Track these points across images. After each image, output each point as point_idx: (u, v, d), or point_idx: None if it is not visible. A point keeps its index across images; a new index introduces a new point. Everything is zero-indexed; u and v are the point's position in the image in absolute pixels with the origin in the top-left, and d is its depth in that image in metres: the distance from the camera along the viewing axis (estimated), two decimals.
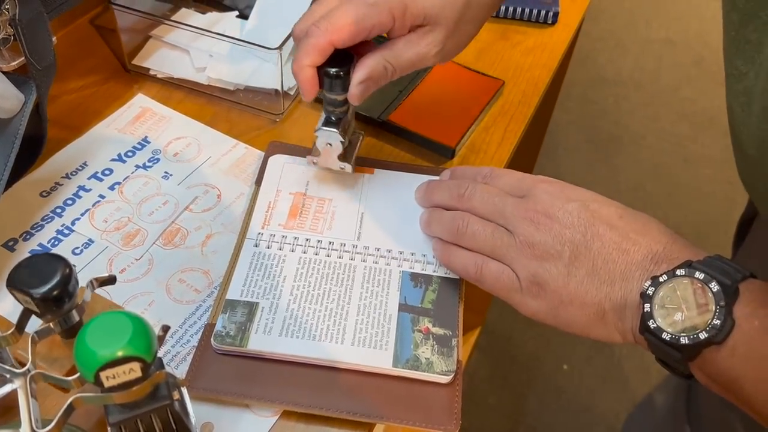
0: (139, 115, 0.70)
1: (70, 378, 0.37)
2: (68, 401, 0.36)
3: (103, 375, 0.35)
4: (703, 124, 2.22)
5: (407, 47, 0.55)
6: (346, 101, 0.56)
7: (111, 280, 0.44)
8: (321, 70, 0.53)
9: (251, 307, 0.53)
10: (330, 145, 0.59)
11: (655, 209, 1.88)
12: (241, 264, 0.56)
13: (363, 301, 0.54)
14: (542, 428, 1.56)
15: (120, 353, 0.35)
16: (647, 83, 2.34)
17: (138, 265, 0.57)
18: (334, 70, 0.53)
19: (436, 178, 0.63)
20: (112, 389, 0.36)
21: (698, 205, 1.98)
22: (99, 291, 0.53)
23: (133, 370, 0.36)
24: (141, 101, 0.71)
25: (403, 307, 0.54)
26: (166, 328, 0.39)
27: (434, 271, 0.57)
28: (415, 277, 0.56)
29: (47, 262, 0.41)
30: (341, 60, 0.54)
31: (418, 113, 0.71)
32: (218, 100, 0.72)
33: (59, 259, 0.42)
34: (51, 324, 0.43)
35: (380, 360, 0.51)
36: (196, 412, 0.48)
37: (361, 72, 0.53)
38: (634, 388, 1.59)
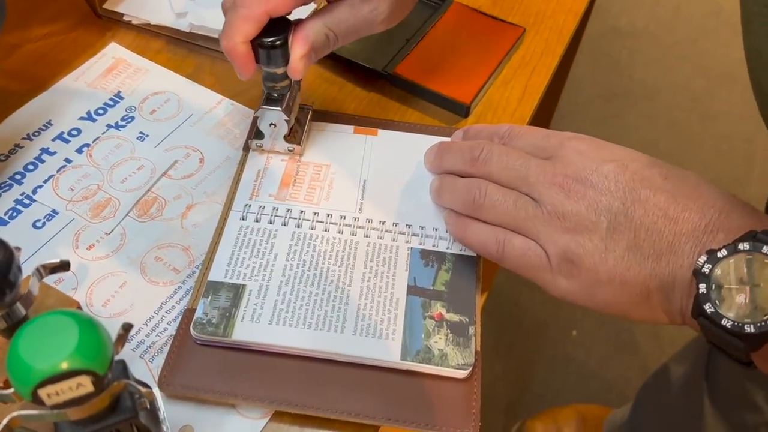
0: (112, 67, 0.61)
1: (7, 391, 0.30)
2: (4, 421, 0.30)
3: (42, 392, 0.28)
4: (721, 79, 2.11)
5: (350, 13, 0.48)
6: (287, 74, 0.49)
7: (63, 266, 0.37)
8: (255, 41, 0.46)
9: (237, 290, 0.46)
10: (274, 126, 0.51)
11: None
12: (226, 240, 0.48)
13: (366, 282, 0.47)
14: (550, 396, 1.51)
15: (63, 366, 0.28)
16: (663, 35, 2.23)
17: (108, 240, 0.50)
18: (270, 40, 0.46)
19: (448, 139, 0.55)
20: (57, 407, 0.29)
21: (715, 163, 1.89)
22: (66, 275, 0.46)
23: (82, 385, 0.29)
24: (114, 51, 0.63)
25: (412, 290, 0.47)
26: (127, 327, 0.32)
27: (448, 248, 0.49)
28: (425, 254, 0.49)
29: None
30: (275, 27, 0.46)
31: (427, 65, 0.62)
32: (202, 51, 0.63)
33: None
34: None
35: (386, 352, 0.44)
36: (173, 413, 0.42)
37: (300, 45, 0.47)
38: (645, 355, 1.54)
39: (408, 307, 0.46)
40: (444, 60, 0.63)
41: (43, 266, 0.36)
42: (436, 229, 0.50)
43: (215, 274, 0.47)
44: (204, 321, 0.44)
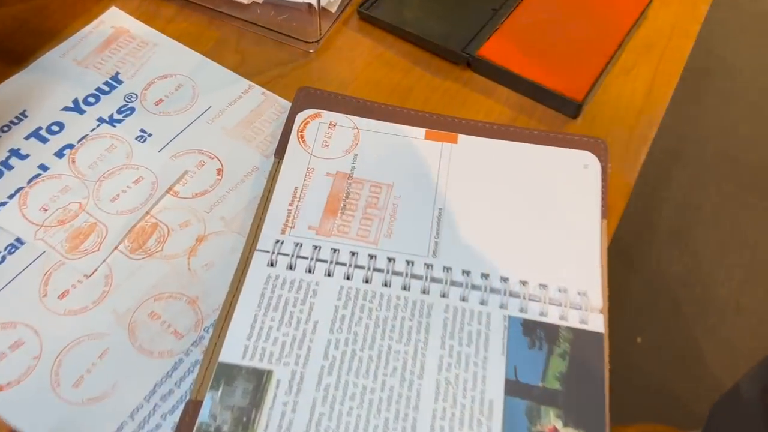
0: (110, 40, 0.47)
1: None
2: None
3: None
4: None
5: None
6: None
7: None
8: None
9: (260, 380, 0.32)
10: None
11: (749, 154, 1.60)
12: (246, 297, 0.34)
13: (444, 373, 0.32)
14: (613, 409, 1.36)
15: None
16: (746, 3, 2.00)
17: (88, 285, 0.36)
18: None
19: (556, 149, 0.40)
20: None
21: None
22: (27, 336, 0.33)
23: None
24: (114, 18, 0.48)
25: (512, 388, 0.32)
26: None
27: (562, 318, 0.34)
28: (530, 328, 0.34)
29: None
30: None
31: (522, 46, 0.47)
32: (225, 20, 0.49)
33: None
34: None
35: None
36: None
37: None
38: (718, 368, 1.37)
39: (506, 415, 0.31)
40: (544, 39, 0.47)
41: None
42: (544, 287, 0.35)
43: (230, 352, 0.32)
44: (211, 428, 0.30)
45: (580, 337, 0.34)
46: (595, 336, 0.34)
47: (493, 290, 0.35)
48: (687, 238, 1.48)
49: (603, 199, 0.39)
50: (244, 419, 0.31)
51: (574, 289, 0.35)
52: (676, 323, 1.48)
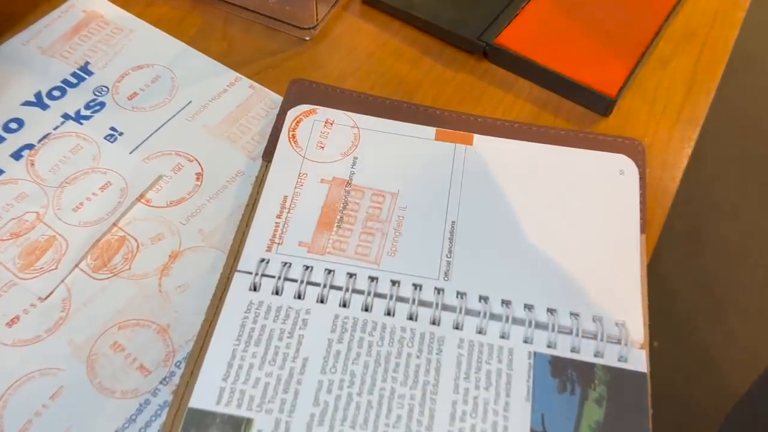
0: (81, 25, 0.42)
1: None
2: None
3: None
4: None
5: None
6: None
7: None
8: None
9: (238, 430, 0.27)
10: None
11: None
12: (224, 328, 0.29)
13: (457, 423, 0.27)
14: None
15: None
16: None
17: (43, 310, 0.31)
18: None
19: (585, 152, 0.35)
20: None
21: None
22: None
23: None
24: (86, 1, 0.43)
25: None
26: None
27: (598, 354, 0.29)
28: (559, 367, 0.29)
29: None
30: None
31: (545, 34, 0.41)
32: (211, 3, 0.43)
33: None
34: None
35: None
36: None
37: None
38: (737, 376, 1.32)
39: None
40: (572, 25, 0.42)
41: None
42: (575, 316, 0.30)
43: (202, 396, 0.27)
44: None
45: (619, 378, 0.28)
46: (637, 376, 0.29)
47: (515, 320, 0.30)
48: (705, 237, 1.42)
49: (642, 210, 0.34)
50: None
51: (611, 318, 0.30)
52: (693, 327, 1.42)
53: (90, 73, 0.40)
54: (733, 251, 1.42)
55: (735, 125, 1.67)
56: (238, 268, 0.31)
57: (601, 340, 0.29)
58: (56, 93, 0.39)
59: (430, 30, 0.42)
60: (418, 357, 0.28)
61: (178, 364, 0.30)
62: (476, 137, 0.36)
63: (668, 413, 1.33)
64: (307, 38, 0.42)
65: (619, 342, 0.29)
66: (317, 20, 0.42)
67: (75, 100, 0.39)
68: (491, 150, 0.36)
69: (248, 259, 0.31)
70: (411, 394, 0.28)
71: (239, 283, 0.30)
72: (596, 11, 0.42)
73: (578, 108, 0.39)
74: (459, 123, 0.37)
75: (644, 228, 0.33)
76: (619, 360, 0.29)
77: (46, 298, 0.32)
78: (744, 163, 1.55)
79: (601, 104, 0.39)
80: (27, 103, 0.38)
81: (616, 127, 0.39)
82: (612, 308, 0.30)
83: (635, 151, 0.36)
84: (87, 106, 0.38)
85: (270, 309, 0.30)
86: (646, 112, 0.40)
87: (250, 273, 0.31)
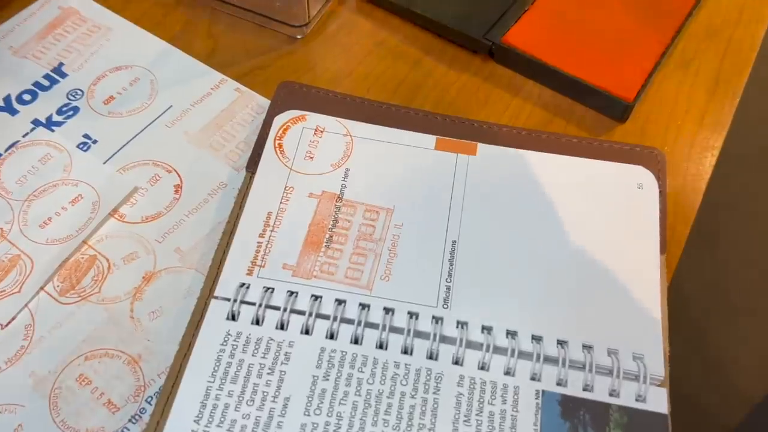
0: (56, 23, 0.39)
1: None
2: None
3: None
4: None
5: None
6: None
7: None
8: None
9: None
10: None
11: None
12: (198, 362, 0.26)
13: None
14: None
15: None
16: None
17: (3, 338, 0.29)
18: None
19: (600, 163, 0.32)
20: None
21: None
22: None
23: None
24: None
25: None
26: None
27: (614, 392, 0.26)
28: (570, 408, 0.26)
29: None
30: None
31: (555, 33, 0.38)
32: (195, 0, 0.40)
33: None
34: None
35: None
36: None
37: None
38: (752, 381, 1.28)
39: None
40: (585, 23, 0.38)
41: None
42: (588, 348, 0.27)
43: None
44: None
45: (637, 420, 0.25)
46: (657, 418, 0.26)
47: (522, 354, 0.27)
48: (719, 240, 1.38)
49: (662, 228, 0.31)
50: None
51: (628, 351, 0.27)
52: (706, 331, 1.39)
53: (64, 75, 0.37)
54: (748, 254, 1.39)
55: (752, 124, 1.63)
56: (215, 294, 0.28)
57: (617, 376, 0.26)
58: (26, 97, 0.36)
59: (432, 27, 0.39)
60: (412, 397, 0.26)
61: (149, 399, 0.27)
62: (480, 146, 0.33)
63: (682, 419, 1.30)
64: (299, 37, 0.39)
65: (636, 379, 0.26)
66: (309, 17, 0.39)
67: (46, 104, 0.36)
68: (497, 160, 0.32)
69: (226, 284, 0.28)
70: None
71: (216, 312, 0.27)
72: (612, 8, 0.39)
73: (592, 113, 0.36)
74: (462, 130, 0.34)
75: (664, 248, 0.30)
76: (636, 400, 0.26)
77: (6, 324, 0.29)
78: (761, 167, 1.51)
79: (617, 109, 0.35)
80: None
81: (634, 134, 0.36)
82: (629, 339, 0.27)
83: (655, 161, 0.33)
84: (59, 112, 0.35)
85: (249, 341, 0.27)
86: (666, 118, 0.36)
87: (229, 300, 0.28)
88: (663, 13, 0.39)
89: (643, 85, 0.36)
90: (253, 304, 0.28)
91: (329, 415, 0.25)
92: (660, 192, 0.32)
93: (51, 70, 0.37)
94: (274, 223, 0.30)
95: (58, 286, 0.30)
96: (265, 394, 0.25)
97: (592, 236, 0.30)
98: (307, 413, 0.25)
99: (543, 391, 0.26)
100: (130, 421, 0.27)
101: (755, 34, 0.40)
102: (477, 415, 0.25)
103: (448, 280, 0.29)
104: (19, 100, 0.36)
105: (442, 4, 0.39)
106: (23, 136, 0.34)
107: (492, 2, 0.39)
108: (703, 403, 1.30)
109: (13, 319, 0.29)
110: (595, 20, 0.38)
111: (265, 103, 0.36)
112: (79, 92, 0.36)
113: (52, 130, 0.35)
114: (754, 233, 1.40)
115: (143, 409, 0.27)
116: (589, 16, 0.39)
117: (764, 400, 0.89)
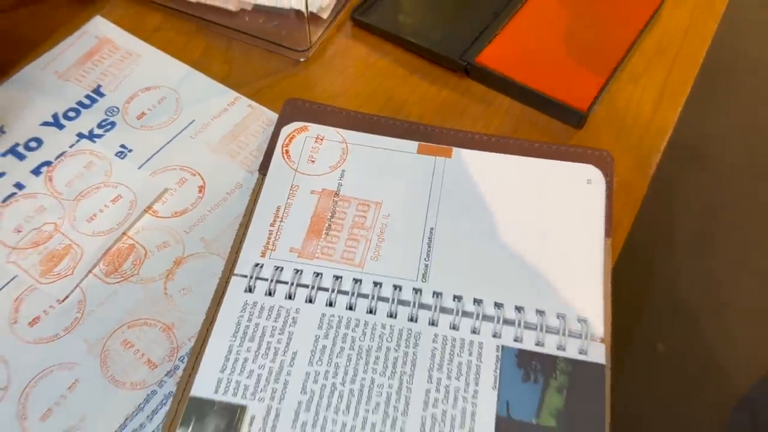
0: (94, 51, 0.46)
1: None
2: None
3: None
4: None
5: None
6: None
7: None
8: None
9: (233, 416, 0.30)
10: None
11: None
12: (221, 326, 0.32)
13: (431, 409, 0.30)
14: (629, 419, 1.32)
15: None
16: None
17: (60, 311, 0.35)
18: None
19: (558, 163, 0.38)
20: None
21: None
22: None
23: None
24: (98, 28, 0.47)
25: (504, 425, 0.30)
26: None
27: (560, 347, 0.32)
28: (524, 359, 0.32)
29: None
30: None
31: (522, 53, 0.44)
32: (213, 29, 0.47)
33: None
34: None
35: None
36: None
37: None
38: (741, 380, 1.33)
39: None
40: (547, 44, 0.45)
41: None
42: (541, 313, 0.33)
43: (202, 386, 0.30)
44: None
45: (579, 369, 0.31)
46: (596, 368, 0.31)
47: (486, 317, 0.33)
48: (709, 241, 1.43)
49: (607, 216, 0.37)
50: None
51: (574, 315, 0.33)
52: (697, 331, 1.44)
53: (102, 95, 0.43)
54: (736, 255, 1.44)
55: (738, 129, 1.68)
56: (235, 272, 0.34)
57: (564, 334, 0.32)
58: (71, 114, 0.42)
59: (417, 50, 0.46)
60: (396, 350, 0.32)
61: (182, 358, 0.33)
62: (455, 150, 0.39)
63: (674, 414, 1.34)
64: (302, 60, 0.45)
65: (580, 336, 0.32)
66: (311, 43, 0.45)
67: (88, 120, 0.42)
68: (468, 162, 0.39)
69: (244, 264, 0.34)
70: (389, 383, 0.31)
71: (236, 286, 0.33)
72: (572, 30, 0.45)
73: (554, 122, 0.42)
74: (440, 137, 0.40)
75: (609, 233, 0.36)
76: (579, 353, 0.32)
77: (63, 300, 0.35)
78: (748, 167, 1.57)
79: (573, 118, 0.41)
80: (45, 124, 0.42)
81: (589, 138, 0.42)
82: (575, 306, 0.33)
83: (603, 161, 0.39)
84: (99, 126, 0.42)
85: (263, 308, 0.33)
86: (617, 125, 0.42)
87: (246, 276, 0.34)
88: (617, 33, 0.45)
89: (597, 97, 0.42)
90: (266, 279, 0.34)
91: (329, 365, 0.31)
92: (607, 187, 0.38)
93: (91, 91, 0.44)
94: (283, 215, 0.36)
95: (103, 269, 0.36)
96: (277, 349, 0.31)
97: (547, 223, 0.36)
98: (310, 364, 0.31)
99: (502, 346, 0.32)
100: (166, 375, 0.33)
101: (698, 50, 0.46)
102: (448, 364, 0.31)
103: (426, 259, 0.35)
104: (65, 116, 0.42)
105: (425, 30, 0.46)
106: (70, 147, 0.41)
107: (468, 27, 0.45)
108: (695, 401, 1.34)
109: (68, 296, 0.35)
110: (557, 40, 0.45)
111: (273, 116, 0.42)
112: (116, 109, 0.43)
113: (94, 141, 0.41)
114: (740, 233, 1.45)
115: (177, 366, 0.33)
116: (552, 37, 0.45)
117: (750, 390, 0.94)
